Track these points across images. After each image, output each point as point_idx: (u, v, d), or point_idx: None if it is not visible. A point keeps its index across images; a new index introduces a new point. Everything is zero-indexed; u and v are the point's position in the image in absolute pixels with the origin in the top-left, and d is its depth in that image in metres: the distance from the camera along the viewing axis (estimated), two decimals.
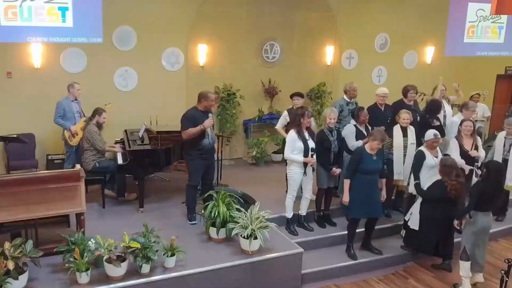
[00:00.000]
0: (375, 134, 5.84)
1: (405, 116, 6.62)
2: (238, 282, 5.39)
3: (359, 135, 6.57)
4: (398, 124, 6.69)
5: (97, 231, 5.22)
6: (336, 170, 6.31)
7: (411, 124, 6.73)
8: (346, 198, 5.89)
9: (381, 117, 7.04)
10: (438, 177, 6.02)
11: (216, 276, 5.26)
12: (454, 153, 6.63)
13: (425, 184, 6.15)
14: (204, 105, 6.19)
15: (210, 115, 6.22)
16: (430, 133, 6.30)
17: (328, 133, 6.34)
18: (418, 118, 7.17)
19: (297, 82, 9.47)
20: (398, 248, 6.47)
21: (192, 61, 8.84)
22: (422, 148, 6.38)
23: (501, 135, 7.17)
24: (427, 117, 7.05)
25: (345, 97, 7.24)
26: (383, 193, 6.17)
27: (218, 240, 5.79)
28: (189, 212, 6.40)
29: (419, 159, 6.26)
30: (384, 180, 6.19)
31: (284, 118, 7.20)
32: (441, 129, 6.93)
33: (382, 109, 7.19)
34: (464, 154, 6.68)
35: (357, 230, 6.26)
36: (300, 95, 7.26)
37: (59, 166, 7.62)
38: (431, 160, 6.24)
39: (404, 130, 6.66)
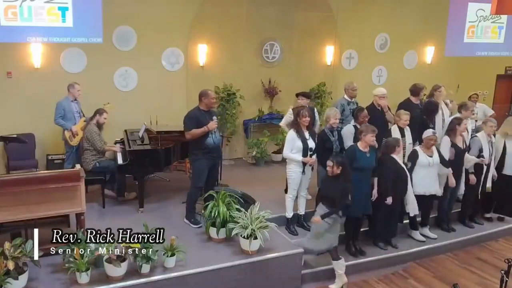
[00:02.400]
0: (365, 128, 5.87)
1: (404, 117, 6.62)
2: (238, 282, 5.39)
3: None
4: (396, 125, 6.69)
5: None
6: None
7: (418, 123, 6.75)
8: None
9: (379, 117, 7.01)
10: (434, 176, 6.36)
11: (216, 276, 5.26)
12: (444, 150, 6.60)
13: (419, 183, 6.30)
14: (205, 104, 6.20)
15: (214, 118, 6.20)
16: (429, 131, 6.42)
17: (330, 133, 6.33)
18: None
19: (297, 82, 9.47)
20: (397, 248, 6.45)
21: (192, 61, 8.84)
22: (416, 147, 6.49)
23: (483, 137, 6.93)
24: (424, 118, 7.05)
25: (345, 96, 7.22)
26: (374, 192, 6.09)
27: (218, 240, 5.79)
28: (187, 213, 6.35)
29: (412, 158, 6.38)
30: (376, 179, 6.12)
31: (289, 116, 7.17)
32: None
33: (384, 111, 7.13)
34: (457, 152, 6.63)
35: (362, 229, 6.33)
36: (305, 95, 7.17)
37: (59, 166, 7.62)
38: (424, 159, 6.32)
39: (402, 131, 6.66)
